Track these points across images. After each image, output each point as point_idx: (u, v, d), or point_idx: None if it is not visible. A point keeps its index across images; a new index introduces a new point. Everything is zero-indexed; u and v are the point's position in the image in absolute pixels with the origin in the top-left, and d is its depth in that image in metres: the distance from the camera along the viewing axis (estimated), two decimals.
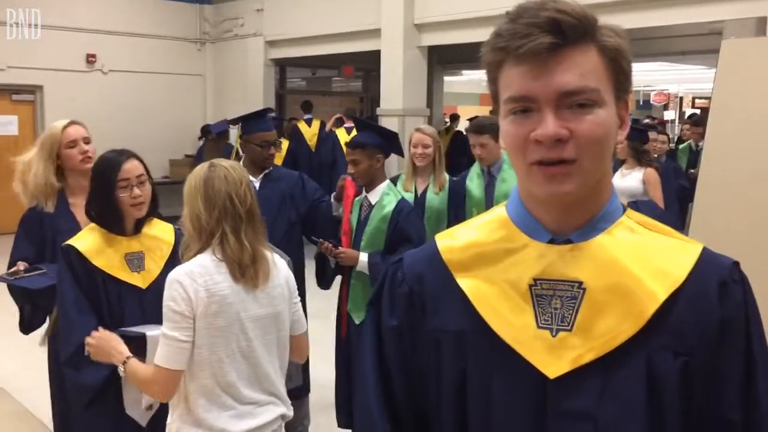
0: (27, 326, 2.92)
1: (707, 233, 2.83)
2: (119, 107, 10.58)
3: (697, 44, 9.56)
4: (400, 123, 8.33)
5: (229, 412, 2.02)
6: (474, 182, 3.96)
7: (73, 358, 2.32)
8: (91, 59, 10.79)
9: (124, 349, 2.14)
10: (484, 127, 3.78)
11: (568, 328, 0.99)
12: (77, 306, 2.37)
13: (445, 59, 12.12)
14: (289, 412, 2.17)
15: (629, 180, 5.23)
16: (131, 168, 2.43)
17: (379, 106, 9.13)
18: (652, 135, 6.25)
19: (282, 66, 11.98)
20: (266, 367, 2.09)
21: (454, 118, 13.77)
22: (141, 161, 2.49)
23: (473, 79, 16.99)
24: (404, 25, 8.60)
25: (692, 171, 6.75)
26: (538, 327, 1.00)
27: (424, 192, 4.02)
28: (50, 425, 3.09)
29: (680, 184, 6.19)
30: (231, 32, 11.47)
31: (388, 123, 8.10)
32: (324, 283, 3.54)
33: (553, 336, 0.99)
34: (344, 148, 5.00)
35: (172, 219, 2.64)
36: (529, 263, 1.02)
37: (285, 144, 8.96)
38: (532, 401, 0.99)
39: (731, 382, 0.97)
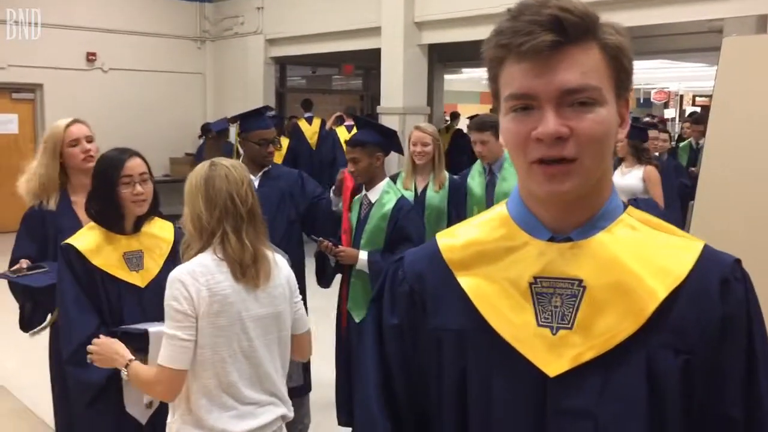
0: (27, 324, 2.93)
1: (708, 231, 2.82)
2: (119, 106, 10.57)
3: (698, 42, 9.55)
4: (401, 121, 8.33)
5: (230, 412, 2.02)
6: (475, 180, 3.96)
7: (75, 357, 2.32)
8: (91, 57, 10.78)
9: (125, 353, 2.13)
10: (486, 124, 3.78)
11: (569, 326, 0.99)
12: (78, 305, 2.37)
13: (445, 57, 12.12)
14: (290, 413, 2.17)
15: (629, 178, 5.23)
16: (134, 165, 2.44)
17: (379, 104, 9.13)
18: (653, 133, 6.26)
19: (282, 64, 11.97)
20: (267, 367, 2.08)
21: (455, 116, 13.77)
22: (144, 160, 2.49)
23: (473, 78, 16.98)
24: (404, 23, 8.60)
25: (692, 169, 6.75)
26: (539, 325, 1.00)
27: (424, 190, 4.02)
28: (51, 423, 3.10)
29: (682, 182, 6.18)
30: (231, 30, 11.46)
31: (389, 121, 8.09)
32: (324, 281, 3.54)
33: (554, 334, 0.99)
34: (344, 146, 4.99)
35: (173, 217, 2.63)
36: (530, 261, 1.02)
37: (285, 142, 8.96)
38: (533, 400, 0.99)
39: (733, 379, 0.97)
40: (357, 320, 3.36)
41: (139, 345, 2.21)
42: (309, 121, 9.93)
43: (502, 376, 1.01)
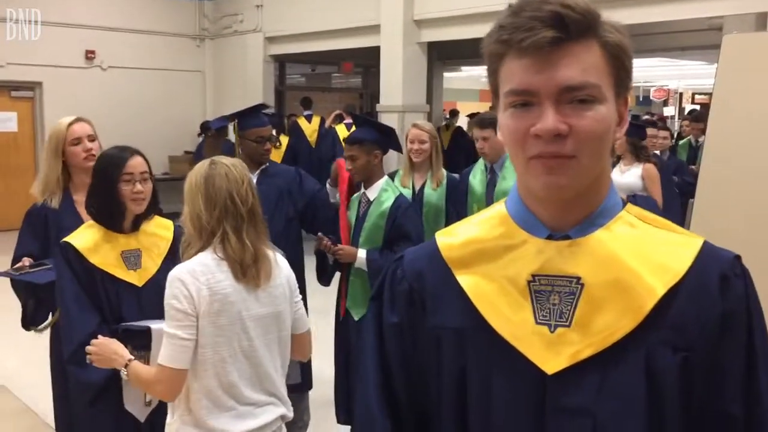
0: (30, 322, 2.93)
1: (708, 229, 2.82)
2: (118, 104, 10.56)
3: (697, 40, 9.55)
4: (400, 119, 8.33)
5: (229, 412, 2.01)
6: (476, 178, 3.96)
7: (75, 356, 2.31)
8: (90, 55, 10.78)
9: (124, 353, 2.12)
10: (488, 121, 3.78)
11: (567, 323, 0.99)
12: (78, 303, 2.37)
13: (444, 55, 12.11)
14: (289, 413, 2.16)
15: (628, 176, 5.22)
16: (136, 164, 2.44)
17: (378, 102, 9.13)
18: (651, 131, 6.25)
19: (281, 62, 11.96)
20: (267, 366, 2.07)
21: (454, 113, 13.77)
22: (145, 158, 2.49)
23: (473, 75, 16.98)
24: (404, 21, 8.59)
25: (692, 167, 6.74)
26: (537, 323, 1.00)
27: (422, 188, 4.02)
28: (51, 422, 3.10)
29: (684, 180, 6.17)
30: (230, 28, 11.46)
31: (388, 119, 8.09)
32: (324, 279, 3.54)
33: (552, 332, 0.99)
34: (344, 144, 4.99)
35: (171, 216, 2.63)
36: (528, 259, 1.02)
37: (285, 140, 8.96)
38: (532, 397, 0.99)
39: (732, 376, 0.97)
40: (356, 318, 3.36)
41: (141, 342, 2.20)
42: (308, 119, 9.92)
43: (501, 374, 1.01)
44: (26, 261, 2.82)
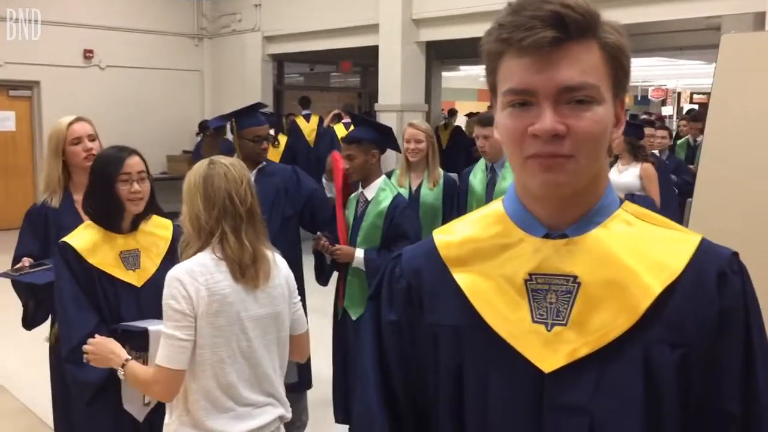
0: (30, 322, 2.93)
1: (706, 229, 2.81)
2: (117, 103, 10.55)
3: (695, 39, 9.56)
4: (399, 118, 8.33)
5: (228, 413, 2.00)
6: (477, 177, 3.97)
7: (73, 355, 2.31)
8: (88, 55, 10.76)
9: (121, 352, 2.11)
10: (489, 119, 3.78)
11: (563, 322, 0.99)
12: (76, 303, 2.37)
13: (443, 55, 12.11)
14: (288, 414, 2.15)
15: (626, 176, 5.22)
16: (134, 164, 2.43)
17: (377, 101, 9.12)
18: (648, 131, 6.24)
19: (280, 61, 11.95)
20: (266, 367, 2.07)
21: (452, 113, 13.77)
22: (142, 158, 2.48)
23: (471, 75, 16.98)
24: (402, 21, 8.59)
25: (690, 167, 6.74)
26: (533, 321, 1.00)
27: (419, 188, 4.02)
28: (50, 422, 3.09)
29: (683, 179, 6.17)
30: (228, 27, 11.44)
31: (387, 119, 8.09)
32: (322, 279, 3.54)
33: (548, 330, 0.99)
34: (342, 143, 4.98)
35: (170, 215, 2.63)
36: (525, 258, 1.02)
37: (283, 140, 8.95)
38: (529, 396, 0.99)
39: (730, 373, 0.97)
40: (354, 318, 3.36)
41: (139, 343, 2.20)
42: (307, 118, 9.91)
43: (498, 373, 1.01)
44: (26, 261, 2.82)
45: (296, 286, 2.22)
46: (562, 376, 0.97)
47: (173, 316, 1.94)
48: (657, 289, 0.96)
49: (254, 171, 3.51)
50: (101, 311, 2.40)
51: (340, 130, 8.95)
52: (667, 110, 19.22)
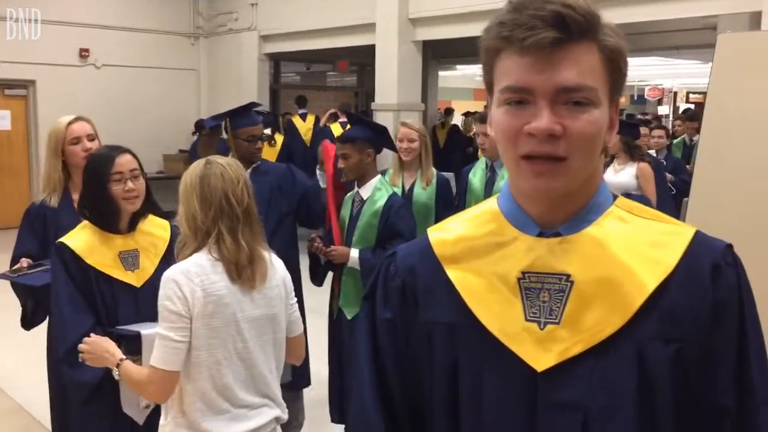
0: (29, 322, 2.92)
1: (702, 228, 2.82)
2: (113, 102, 10.52)
3: (692, 39, 9.57)
4: (395, 118, 8.32)
5: (223, 415, 1.99)
6: (476, 176, 3.98)
7: (68, 356, 2.30)
8: (84, 54, 10.74)
9: (116, 352, 2.10)
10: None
11: (556, 321, 0.99)
12: (72, 303, 2.36)
13: (439, 54, 12.11)
14: (284, 415, 2.14)
15: (622, 176, 5.23)
16: (125, 162, 2.41)
17: (374, 100, 9.12)
18: (643, 131, 6.25)
19: (276, 60, 11.94)
20: (262, 368, 2.06)
21: (449, 111, 13.78)
22: (134, 156, 2.47)
23: (467, 74, 17.00)
24: (399, 20, 8.59)
25: (687, 166, 6.75)
26: (526, 320, 1.00)
27: (412, 187, 4.02)
28: (46, 423, 3.09)
29: (681, 179, 6.18)
30: (225, 26, 11.43)
31: (383, 118, 8.09)
32: (317, 279, 3.54)
33: (541, 329, 0.99)
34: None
35: (167, 214, 2.62)
36: (518, 256, 1.02)
37: (280, 139, 8.94)
38: (523, 394, 0.99)
39: (725, 366, 0.97)
40: (348, 318, 3.36)
41: (133, 347, 2.19)
42: (303, 117, 9.90)
43: (492, 371, 1.01)
44: (24, 262, 2.81)
45: (293, 288, 2.21)
46: (554, 374, 0.98)
47: (168, 317, 1.93)
48: (651, 285, 0.97)
49: (249, 170, 3.50)
50: (98, 312, 2.39)
51: (337, 130, 8.95)
52: (664, 110, 19.25)
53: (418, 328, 1.08)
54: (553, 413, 0.97)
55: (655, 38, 9.78)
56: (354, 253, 3.30)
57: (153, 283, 2.32)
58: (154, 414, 2.27)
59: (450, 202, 4.06)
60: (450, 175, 4.84)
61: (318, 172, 3.65)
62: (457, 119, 14.03)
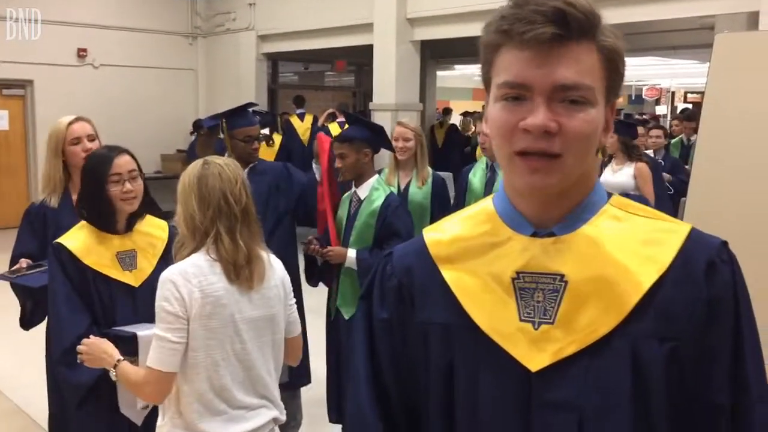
0: (27, 322, 2.92)
1: (700, 228, 2.82)
2: (110, 102, 10.51)
3: (689, 39, 9.58)
4: (393, 118, 8.32)
5: (221, 416, 1.99)
6: (477, 176, 3.99)
7: (64, 357, 2.30)
8: (82, 54, 10.72)
9: (114, 352, 2.10)
10: None
11: (550, 321, 0.99)
12: (69, 304, 2.35)
13: (437, 54, 12.12)
14: (282, 416, 2.14)
15: (620, 176, 5.24)
16: (123, 163, 2.41)
17: (371, 100, 9.12)
18: (640, 130, 6.26)
19: (274, 60, 11.94)
20: (260, 370, 2.05)
21: (447, 111, 13.79)
22: (133, 157, 2.47)
23: (466, 74, 17.00)
24: (397, 20, 8.59)
25: (686, 167, 6.76)
26: (521, 320, 1.00)
27: (407, 186, 4.02)
28: (43, 423, 3.09)
29: (679, 179, 6.19)
30: (223, 26, 11.42)
31: (381, 118, 8.09)
32: (313, 280, 3.54)
33: (536, 329, 0.99)
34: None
35: (165, 214, 2.62)
36: (513, 256, 1.02)
37: (278, 139, 8.93)
38: (518, 394, 0.99)
39: (720, 364, 0.97)
40: (346, 317, 3.36)
41: (129, 348, 2.19)
42: (301, 117, 9.90)
43: (487, 371, 1.01)
44: (23, 262, 2.81)
45: (292, 288, 2.21)
46: (549, 374, 0.98)
47: (165, 318, 1.93)
48: (646, 284, 0.96)
49: (246, 170, 3.50)
50: (95, 312, 2.39)
51: (335, 130, 8.94)
52: (661, 109, 19.26)
53: (414, 328, 1.08)
54: (548, 413, 0.97)
55: (652, 38, 9.79)
56: (351, 253, 3.30)
57: (151, 284, 2.32)
58: (152, 414, 2.27)
59: (446, 202, 4.06)
60: (448, 175, 4.84)
61: (314, 165, 3.65)
62: (456, 119, 14.04)
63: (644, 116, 13.01)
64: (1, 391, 4.68)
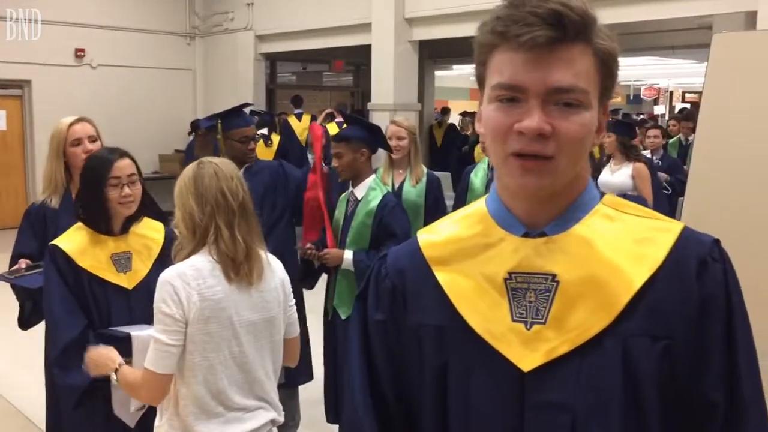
0: (25, 323, 2.91)
1: (697, 228, 2.82)
2: (108, 102, 10.50)
3: (687, 39, 9.60)
4: (391, 118, 8.33)
5: (218, 419, 1.99)
6: (478, 176, 3.99)
7: (60, 359, 2.29)
8: (79, 53, 10.72)
9: (116, 357, 2.11)
10: None
11: (542, 321, 0.99)
12: (64, 306, 2.35)
13: (435, 54, 12.12)
14: (280, 418, 2.14)
15: (619, 176, 5.24)
16: (123, 166, 2.40)
17: (370, 100, 9.12)
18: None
19: (272, 60, 11.94)
20: (258, 372, 2.05)
21: (445, 111, 13.79)
22: (133, 160, 2.46)
23: (464, 74, 16.99)
24: (395, 20, 8.59)
25: (684, 167, 6.76)
26: (513, 320, 1.01)
27: (401, 185, 4.02)
28: (40, 424, 3.08)
29: (677, 179, 6.19)
30: (221, 26, 11.42)
31: (379, 118, 8.08)
32: (308, 283, 3.53)
33: (528, 329, 1.00)
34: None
35: (163, 214, 2.62)
36: (505, 257, 1.03)
37: (276, 139, 8.93)
38: (511, 394, 0.99)
39: (713, 362, 0.97)
40: (343, 317, 3.36)
41: (123, 349, 2.19)
42: (299, 117, 9.90)
43: (480, 371, 1.01)
44: (23, 263, 2.81)
45: (291, 290, 2.20)
46: (541, 374, 0.98)
47: (163, 320, 1.93)
48: (638, 282, 0.96)
49: (241, 170, 3.49)
50: (90, 314, 2.38)
51: (333, 129, 8.94)
52: (659, 109, 19.30)
53: (408, 329, 1.08)
54: (541, 413, 0.98)
55: (650, 38, 9.81)
56: (348, 255, 3.29)
57: (145, 286, 2.32)
58: (149, 416, 2.27)
59: (440, 201, 4.06)
60: (446, 175, 4.84)
61: (309, 156, 3.64)
62: (454, 118, 14.04)
63: (642, 116, 13.02)
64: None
